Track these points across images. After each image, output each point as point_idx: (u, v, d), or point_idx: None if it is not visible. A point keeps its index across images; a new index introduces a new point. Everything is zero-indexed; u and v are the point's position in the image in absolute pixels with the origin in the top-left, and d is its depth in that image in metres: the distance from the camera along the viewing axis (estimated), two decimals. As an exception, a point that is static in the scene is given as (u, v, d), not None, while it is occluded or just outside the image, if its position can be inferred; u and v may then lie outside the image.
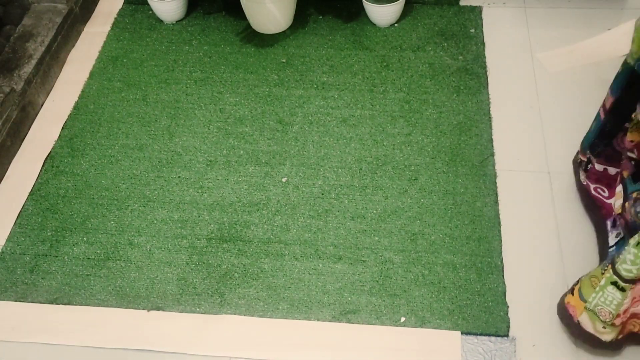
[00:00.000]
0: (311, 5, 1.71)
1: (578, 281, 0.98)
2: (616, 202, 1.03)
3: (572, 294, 0.98)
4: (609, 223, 1.09)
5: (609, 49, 1.53)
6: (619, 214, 1.00)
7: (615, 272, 0.88)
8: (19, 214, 1.31)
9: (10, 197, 1.35)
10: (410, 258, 1.19)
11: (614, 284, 0.89)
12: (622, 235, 1.04)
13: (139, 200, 1.31)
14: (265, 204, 1.29)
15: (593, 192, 1.12)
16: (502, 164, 1.32)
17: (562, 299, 1.01)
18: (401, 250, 1.20)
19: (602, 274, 0.90)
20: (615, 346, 0.98)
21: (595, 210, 1.15)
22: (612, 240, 1.06)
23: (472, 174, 1.31)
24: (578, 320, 0.97)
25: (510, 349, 1.06)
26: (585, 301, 0.94)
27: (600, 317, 0.93)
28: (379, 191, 1.29)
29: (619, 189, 1.01)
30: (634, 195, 0.94)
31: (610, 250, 1.06)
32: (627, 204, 0.96)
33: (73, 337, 1.13)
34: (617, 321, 0.92)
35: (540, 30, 1.60)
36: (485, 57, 1.53)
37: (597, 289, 0.91)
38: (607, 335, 0.95)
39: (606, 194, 1.09)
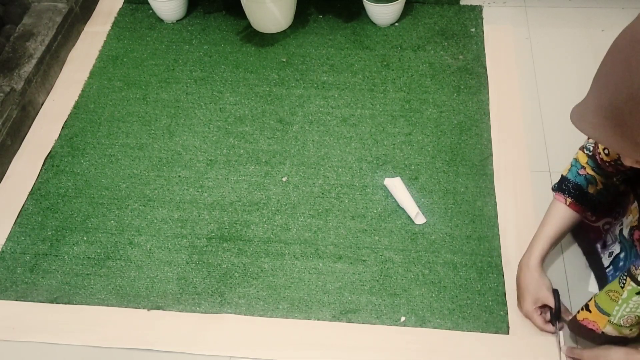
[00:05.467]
0: (311, 4, 1.71)
1: (591, 298, 0.95)
2: (627, 218, 1.01)
3: (588, 310, 0.95)
4: (598, 246, 1.10)
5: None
6: (634, 226, 0.98)
7: (638, 283, 0.85)
8: (19, 214, 1.31)
9: (10, 196, 1.35)
10: (411, 257, 1.19)
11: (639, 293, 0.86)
12: (616, 253, 1.03)
13: (139, 199, 1.31)
14: (266, 204, 1.29)
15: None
16: (502, 163, 1.32)
17: (574, 318, 0.98)
18: (401, 249, 1.20)
19: (622, 287, 0.88)
20: None
21: (582, 235, 1.15)
22: (606, 261, 1.06)
23: (472, 174, 1.31)
24: (602, 332, 0.94)
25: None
26: (608, 315, 0.91)
27: (626, 324, 0.90)
28: (379, 190, 1.29)
29: (634, 205, 0.99)
30: None
31: (607, 270, 1.05)
32: None
33: (73, 337, 1.13)
34: None
35: (541, 29, 1.60)
36: (485, 57, 1.53)
37: (620, 302, 0.88)
38: (636, 332, 0.92)
39: (593, 218, 1.08)
